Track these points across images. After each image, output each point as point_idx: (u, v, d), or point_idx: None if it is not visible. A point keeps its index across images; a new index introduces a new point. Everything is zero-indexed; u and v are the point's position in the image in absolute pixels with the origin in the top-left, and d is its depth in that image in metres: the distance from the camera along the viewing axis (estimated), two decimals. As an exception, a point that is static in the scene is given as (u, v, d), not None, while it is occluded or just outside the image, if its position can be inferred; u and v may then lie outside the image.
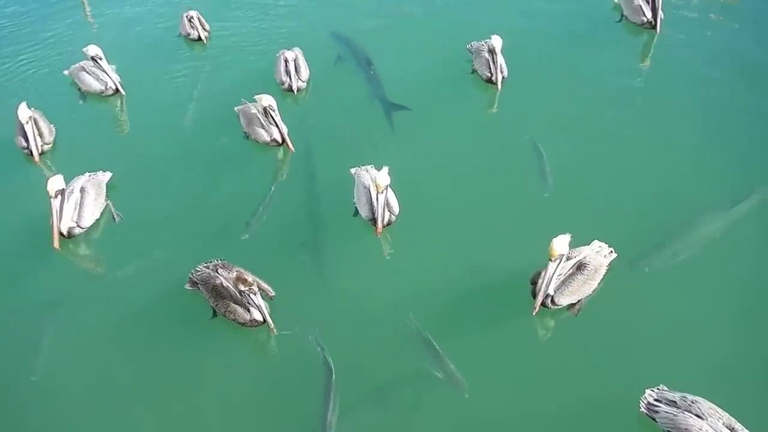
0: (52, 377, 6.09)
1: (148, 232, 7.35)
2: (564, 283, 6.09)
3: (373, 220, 7.01)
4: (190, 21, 10.38)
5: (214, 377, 6.02)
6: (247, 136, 8.51)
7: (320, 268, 6.86)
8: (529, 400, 5.66)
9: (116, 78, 9.36)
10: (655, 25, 9.66)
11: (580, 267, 6.14)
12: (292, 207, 7.57)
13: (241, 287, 5.94)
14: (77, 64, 9.47)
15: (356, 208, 7.29)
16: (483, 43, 8.95)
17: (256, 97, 8.21)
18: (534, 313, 6.07)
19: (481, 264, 6.62)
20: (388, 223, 7.10)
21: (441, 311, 6.36)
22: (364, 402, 5.74)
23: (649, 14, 9.70)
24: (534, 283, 6.19)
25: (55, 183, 6.99)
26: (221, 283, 6.18)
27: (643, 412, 5.25)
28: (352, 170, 7.49)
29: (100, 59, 9.14)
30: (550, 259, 5.84)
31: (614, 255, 6.39)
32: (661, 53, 9.70)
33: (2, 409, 5.94)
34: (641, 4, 9.71)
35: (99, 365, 6.18)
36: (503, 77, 8.90)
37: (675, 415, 5.03)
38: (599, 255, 6.29)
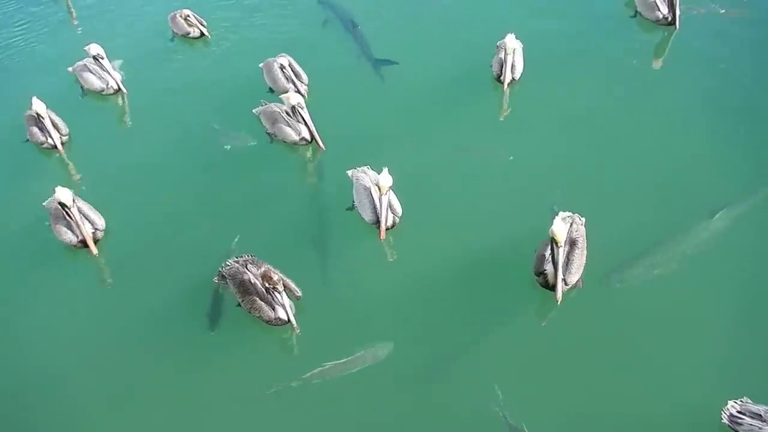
0: (70, 374, 6.21)
1: (159, 232, 7.32)
2: (567, 262, 6.14)
3: (377, 223, 6.79)
4: (186, 19, 10.16)
5: (234, 373, 6.06)
6: (271, 138, 8.25)
7: (324, 270, 6.76)
8: (549, 401, 5.61)
9: (117, 76, 9.21)
10: (674, 21, 9.47)
11: (573, 243, 6.18)
12: (300, 207, 7.50)
13: (266, 284, 6.02)
14: (81, 62, 9.28)
15: (357, 211, 7.09)
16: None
17: (283, 96, 8.06)
18: (558, 303, 6.05)
19: (486, 262, 6.57)
20: (392, 225, 6.90)
21: (448, 312, 6.32)
22: (375, 401, 5.74)
23: (664, 10, 9.50)
24: (539, 273, 6.23)
25: (67, 192, 6.84)
26: (249, 279, 6.21)
27: (725, 423, 5.19)
28: (349, 172, 7.25)
29: (102, 58, 9.00)
30: (558, 246, 5.88)
31: (584, 219, 6.41)
32: (675, 53, 9.48)
33: (22, 403, 6.05)
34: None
35: (115, 363, 6.25)
36: (512, 78, 8.67)
37: (760, 428, 5.01)
38: (579, 225, 6.33)
